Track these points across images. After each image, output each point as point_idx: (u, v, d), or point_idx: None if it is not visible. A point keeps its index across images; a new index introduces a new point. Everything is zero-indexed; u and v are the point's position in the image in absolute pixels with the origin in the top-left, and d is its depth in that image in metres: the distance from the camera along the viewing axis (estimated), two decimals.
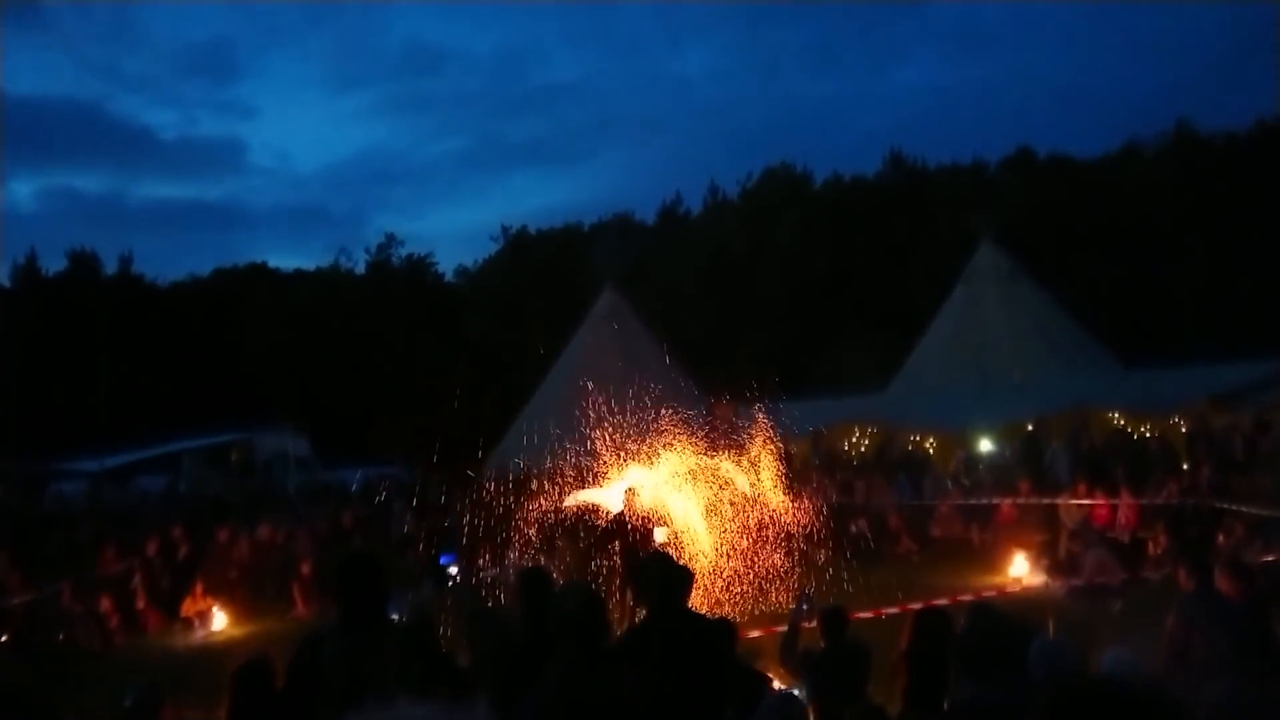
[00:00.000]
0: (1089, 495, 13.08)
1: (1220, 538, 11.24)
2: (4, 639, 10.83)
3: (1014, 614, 5.92)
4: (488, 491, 13.12)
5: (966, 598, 9.63)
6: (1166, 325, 34.46)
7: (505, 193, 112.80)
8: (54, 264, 47.31)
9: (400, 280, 50.60)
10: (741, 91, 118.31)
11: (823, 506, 10.71)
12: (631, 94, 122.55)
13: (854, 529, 14.46)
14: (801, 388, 24.98)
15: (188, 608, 12.41)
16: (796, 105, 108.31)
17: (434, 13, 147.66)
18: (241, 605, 12.64)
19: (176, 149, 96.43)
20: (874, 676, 4.92)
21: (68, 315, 40.22)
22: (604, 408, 9.85)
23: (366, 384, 40.97)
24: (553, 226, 54.20)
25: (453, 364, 40.80)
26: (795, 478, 10.54)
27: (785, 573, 9.11)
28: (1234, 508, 11.49)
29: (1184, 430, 17.02)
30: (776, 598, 8.89)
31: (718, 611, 8.22)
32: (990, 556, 12.92)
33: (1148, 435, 17.06)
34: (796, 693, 5.00)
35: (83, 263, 47.23)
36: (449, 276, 54.55)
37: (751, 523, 9.22)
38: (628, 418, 9.82)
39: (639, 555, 8.39)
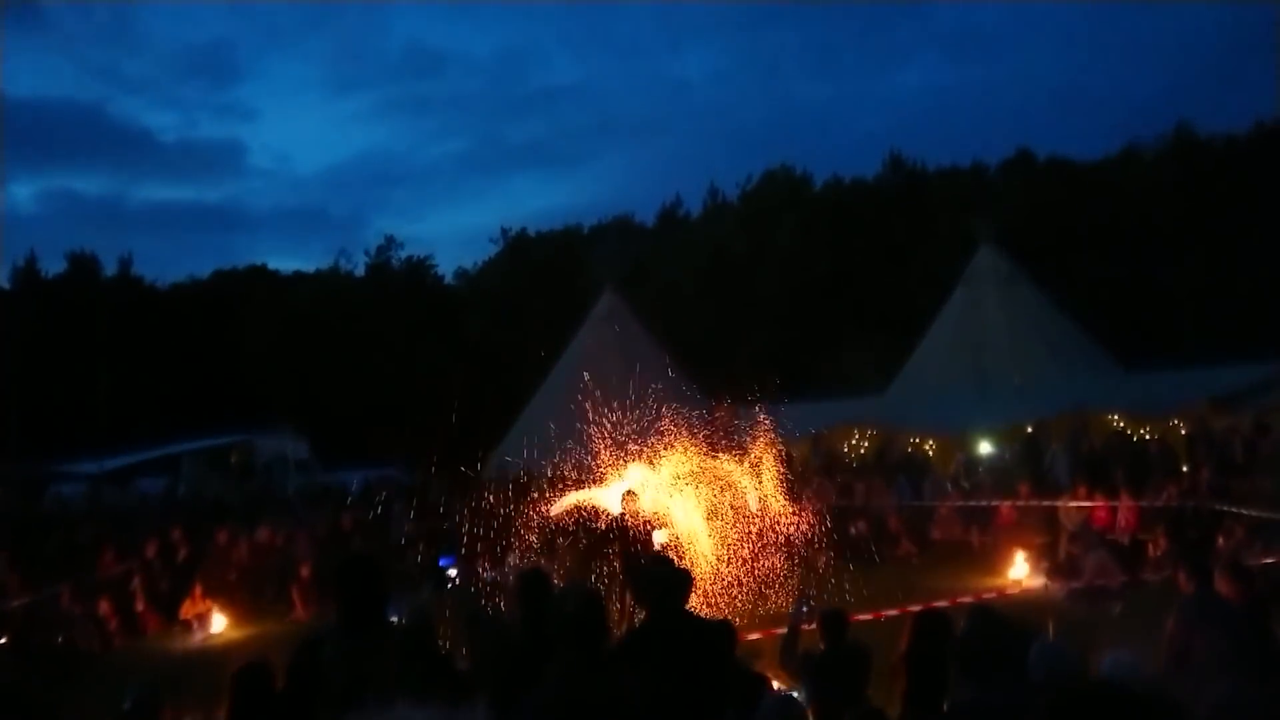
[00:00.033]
0: (1089, 497, 13.08)
1: (1220, 540, 11.23)
2: (3, 641, 10.82)
3: (1014, 616, 5.92)
4: (487, 494, 13.11)
5: (966, 600, 9.62)
6: (1166, 328, 34.48)
7: (505, 195, 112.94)
8: (54, 266, 47.44)
9: (400, 282, 50.62)
10: (741, 93, 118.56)
11: (822, 509, 10.71)
12: (631, 96, 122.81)
13: (854, 531, 14.45)
14: (801, 390, 24.98)
15: (187, 610, 12.40)
16: (796, 107, 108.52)
17: (434, 15, 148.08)
18: (241, 607, 12.63)
19: (176, 151, 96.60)
20: (874, 679, 4.92)
21: (67, 317, 40.25)
22: (604, 410, 9.85)
23: (366, 386, 40.98)
24: (552, 228, 54.37)
25: (453, 366, 40.99)
26: (795, 480, 10.53)
27: (785, 575, 9.10)
28: (1234, 510, 11.48)
29: (1184, 432, 17.03)
30: (776, 600, 8.88)
31: (717, 613, 8.21)
32: (990, 559, 12.91)
33: (1147, 437, 17.05)
34: (796, 695, 5.00)
35: (82, 265, 47.26)
36: (449, 278, 54.70)
37: (752, 525, 9.21)
38: (627, 420, 9.82)
39: (638, 558, 8.39)
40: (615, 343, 21.66)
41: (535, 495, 9.93)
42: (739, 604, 8.84)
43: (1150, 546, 12.16)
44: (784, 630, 6.49)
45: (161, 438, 28.17)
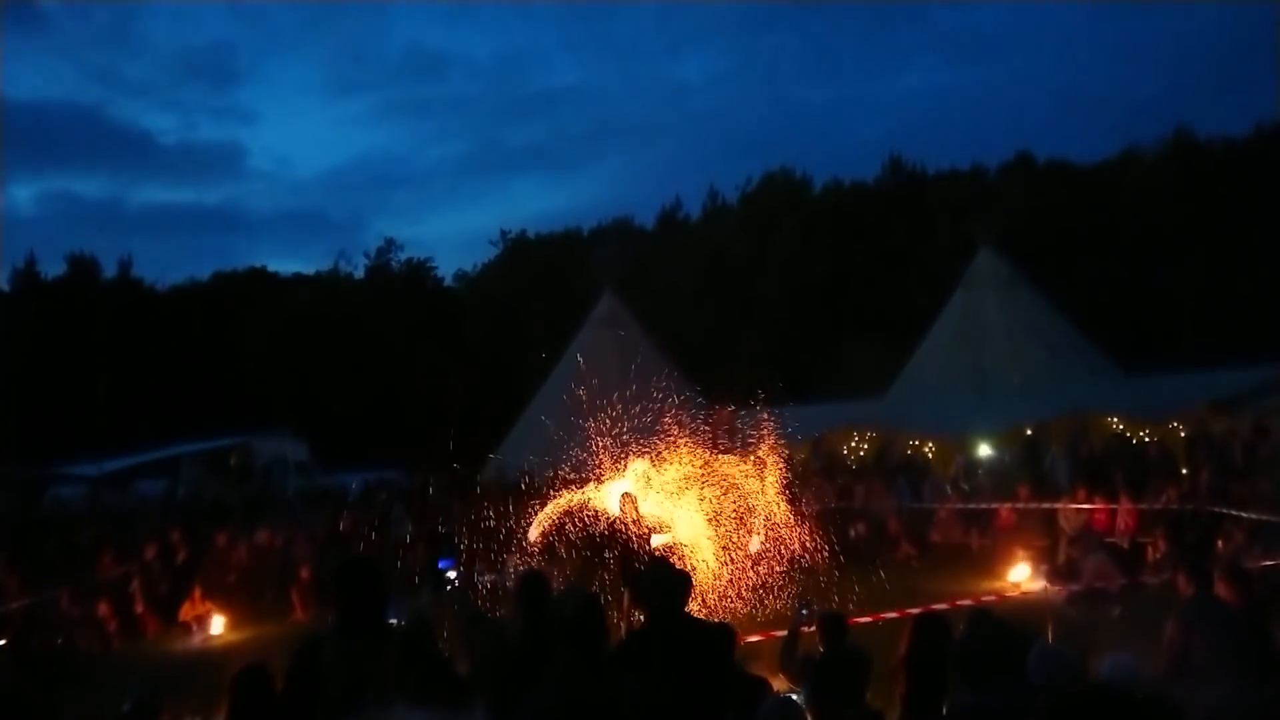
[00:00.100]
0: (1088, 500, 13.07)
1: (1219, 543, 11.22)
2: (2, 643, 10.80)
3: (1013, 619, 5.92)
4: (487, 496, 13.11)
5: (966, 603, 9.59)
6: (1166, 331, 34.52)
7: (505, 197, 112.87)
8: (53, 268, 47.42)
9: (400, 284, 50.64)
10: (741, 96, 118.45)
11: (822, 511, 10.71)
12: (631, 99, 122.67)
13: (853, 533, 14.45)
14: (801, 392, 25.00)
15: (186, 612, 12.39)
16: (796, 110, 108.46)
17: (434, 17, 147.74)
18: (240, 610, 12.61)
19: (176, 153, 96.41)
20: (873, 682, 4.91)
21: (67, 319, 40.25)
22: (603, 412, 9.85)
23: (366, 388, 40.99)
24: (552, 231, 54.44)
25: (452, 368, 41.07)
26: (795, 483, 10.52)
27: (784, 578, 9.09)
28: (1233, 513, 11.48)
29: (1183, 435, 17.03)
30: (776, 603, 8.87)
31: (716, 616, 8.21)
32: (989, 561, 12.91)
33: (1147, 440, 17.05)
34: (796, 697, 5.00)
35: (82, 267, 47.27)
36: (448, 281, 54.71)
37: (751, 527, 9.21)
38: (627, 422, 9.82)
39: (638, 561, 8.39)
40: (615, 345, 21.66)
41: (534, 497, 9.93)
42: (738, 607, 8.83)
43: (1150, 549, 12.15)
44: (784, 633, 6.50)
45: (161, 440, 28.20)
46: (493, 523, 10.92)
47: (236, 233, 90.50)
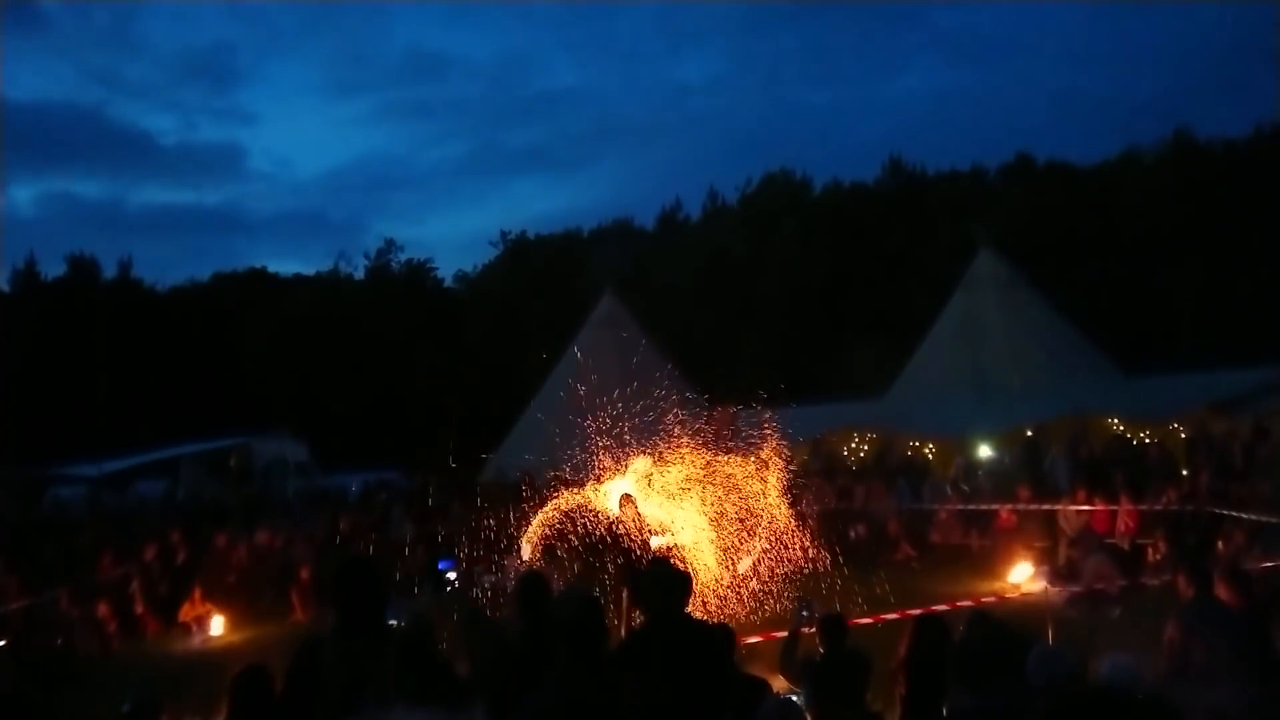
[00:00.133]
0: (1088, 501, 13.06)
1: (1220, 544, 11.23)
2: (2, 644, 10.80)
3: (1013, 620, 5.93)
4: (487, 497, 13.10)
5: (965, 604, 9.60)
6: (1166, 332, 34.51)
7: (505, 198, 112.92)
8: (53, 269, 47.42)
9: (400, 286, 50.66)
10: (741, 98, 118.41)
11: (822, 513, 10.70)
12: (631, 100, 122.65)
13: (853, 535, 14.45)
14: (801, 393, 25.00)
15: (186, 613, 12.39)
16: (796, 111, 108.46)
17: (434, 19, 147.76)
18: (240, 611, 12.61)
19: (176, 154, 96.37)
20: (873, 683, 4.91)
21: (67, 320, 40.24)
22: (603, 413, 9.85)
23: (365, 389, 40.99)
24: (552, 232, 54.46)
25: (452, 369, 41.07)
26: (795, 484, 10.52)
27: (784, 579, 9.09)
28: (1233, 514, 11.48)
29: (1183, 437, 17.02)
30: (776, 605, 8.87)
31: (716, 618, 8.20)
32: (989, 563, 12.90)
33: (1147, 441, 17.05)
34: (795, 699, 5.00)
35: (82, 268, 47.27)
36: (448, 282, 54.72)
37: (751, 529, 9.21)
38: (627, 423, 9.82)
39: (638, 562, 8.38)
40: (615, 346, 21.65)
41: (534, 498, 9.93)
42: (739, 611, 8.83)
43: (1150, 551, 12.15)
44: (784, 634, 6.50)
45: (160, 441, 28.19)
46: (492, 525, 10.92)
47: (236, 233, 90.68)
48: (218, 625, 12.16)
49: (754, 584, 8.99)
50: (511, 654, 4.77)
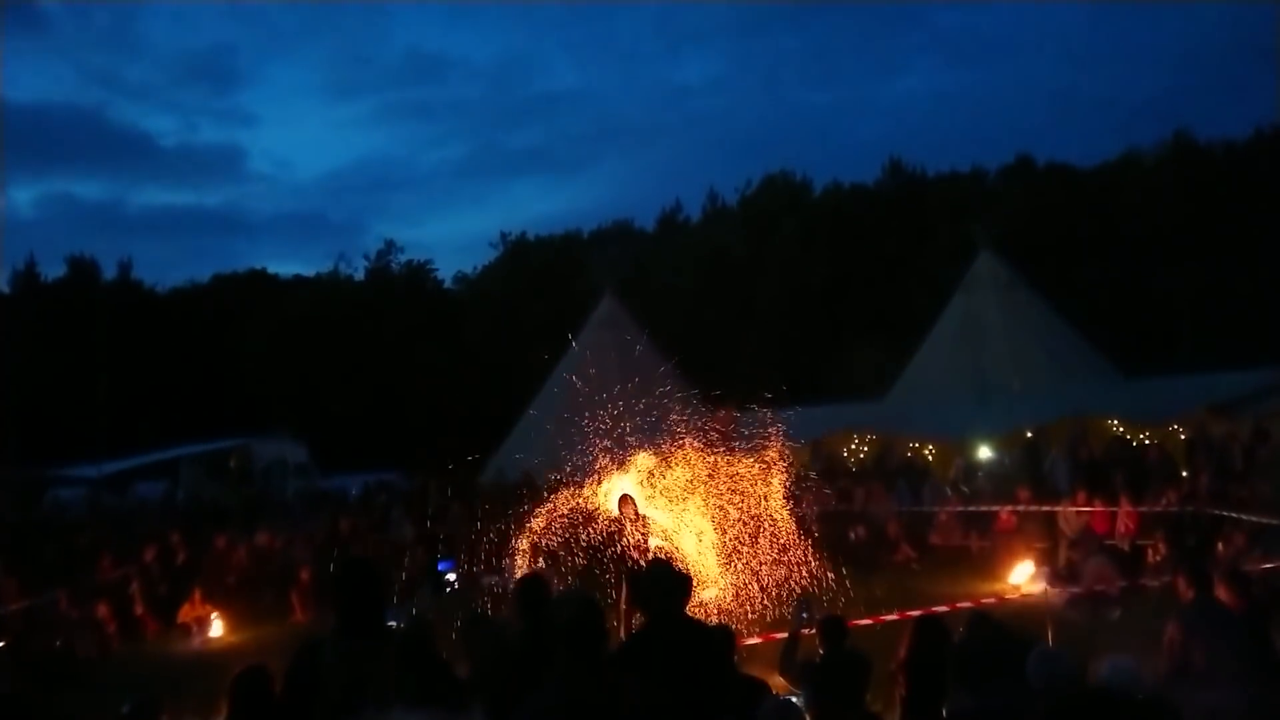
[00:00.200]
0: (1088, 503, 13.05)
1: (1220, 546, 11.22)
2: (2, 645, 10.80)
3: (1012, 622, 5.93)
4: (486, 498, 13.11)
5: (965, 606, 9.59)
6: (1165, 334, 34.51)
7: (505, 200, 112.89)
8: (53, 270, 47.43)
9: (400, 287, 50.64)
10: (741, 99, 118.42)
11: (822, 514, 10.69)
12: (631, 102, 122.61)
13: (853, 536, 14.44)
14: (801, 395, 25.01)
15: (186, 614, 12.39)
16: (796, 112, 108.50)
17: (434, 20, 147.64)
18: (239, 612, 12.61)
19: (176, 156, 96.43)
20: (873, 685, 4.91)
21: (67, 321, 40.25)
22: (603, 414, 9.84)
23: (365, 391, 40.99)
24: (552, 233, 54.44)
25: (452, 370, 41.07)
26: (794, 485, 10.51)
27: (784, 580, 9.09)
28: (1233, 516, 11.48)
29: (1183, 438, 17.01)
30: (775, 605, 8.86)
31: (716, 618, 8.20)
32: (989, 564, 12.90)
33: (1147, 443, 17.05)
34: (795, 700, 5.00)
35: (82, 269, 47.28)
36: (448, 283, 54.68)
37: (751, 530, 9.20)
38: (627, 424, 9.81)
39: (638, 563, 8.38)
40: (614, 348, 21.64)
41: (534, 499, 9.93)
42: (738, 609, 8.82)
43: (1150, 552, 12.14)
44: (783, 636, 6.49)
45: (160, 442, 28.20)
46: (492, 525, 10.92)
47: (236, 235, 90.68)
48: (217, 626, 12.17)
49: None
50: (511, 655, 4.76)
